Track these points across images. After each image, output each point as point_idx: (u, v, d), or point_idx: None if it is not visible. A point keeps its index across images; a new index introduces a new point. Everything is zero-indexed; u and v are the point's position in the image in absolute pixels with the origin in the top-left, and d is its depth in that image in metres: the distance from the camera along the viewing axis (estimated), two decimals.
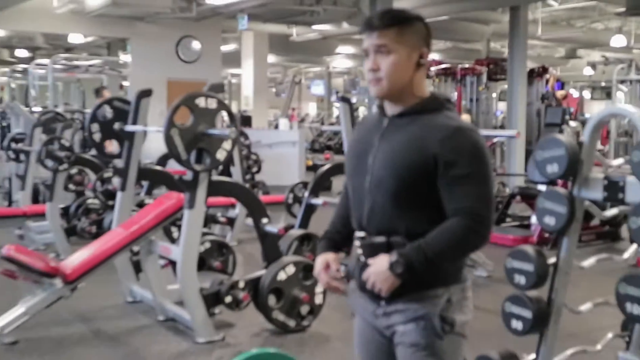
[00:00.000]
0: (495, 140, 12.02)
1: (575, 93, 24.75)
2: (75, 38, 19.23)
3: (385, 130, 2.43)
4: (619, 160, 5.12)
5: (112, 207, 8.20)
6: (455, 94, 15.80)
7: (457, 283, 2.43)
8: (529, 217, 9.69)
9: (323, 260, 2.57)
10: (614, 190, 3.91)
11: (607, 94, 24.67)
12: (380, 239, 2.37)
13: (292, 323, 5.52)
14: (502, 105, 16.02)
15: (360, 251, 2.44)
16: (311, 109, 37.82)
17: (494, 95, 16.30)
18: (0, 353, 4.99)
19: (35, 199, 10.23)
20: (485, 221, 2.32)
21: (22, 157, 10.06)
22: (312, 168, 15.93)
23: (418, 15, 2.44)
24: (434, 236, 2.31)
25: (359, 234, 2.45)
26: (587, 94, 27.49)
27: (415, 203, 2.35)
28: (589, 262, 4.21)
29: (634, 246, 4.44)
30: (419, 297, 2.36)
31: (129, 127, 6.20)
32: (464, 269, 2.50)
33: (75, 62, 17.85)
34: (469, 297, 2.50)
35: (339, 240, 2.62)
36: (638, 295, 3.52)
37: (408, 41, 2.37)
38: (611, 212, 4.22)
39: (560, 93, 15.42)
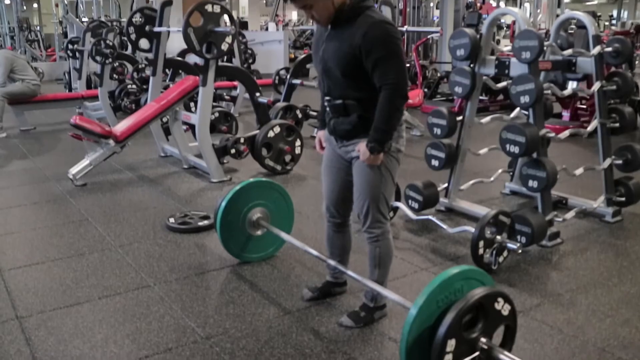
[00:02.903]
0: (428, 36, 11.91)
1: (494, 3, 24.16)
2: None
3: (328, 35, 2.60)
4: (507, 47, 5.22)
5: (146, 90, 8.31)
6: (402, 3, 15.47)
7: None
8: (452, 94, 9.77)
9: (317, 138, 2.89)
10: (502, 67, 4.11)
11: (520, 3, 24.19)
12: (339, 101, 2.61)
13: (279, 167, 5.76)
14: (437, 12, 15.74)
15: (328, 109, 2.71)
16: (294, 15, 36.65)
17: (432, 4, 15.94)
18: (75, 192, 5.19)
19: (89, 86, 10.22)
20: (401, 85, 2.47)
21: (77, 55, 9.96)
22: (294, 60, 15.72)
23: None
24: (377, 117, 2.49)
25: (326, 97, 2.68)
26: (502, 4, 26.83)
27: (355, 79, 2.52)
28: (485, 119, 4.47)
29: (517, 109, 4.67)
30: (366, 135, 2.57)
31: (157, 29, 6.14)
32: (401, 117, 2.64)
33: None
34: (403, 136, 2.69)
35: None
36: (513, 138, 3.77)
37: None
38: (502, 84, 4.44)
39: (479, 3, 15.12)
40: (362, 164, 2.62)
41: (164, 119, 6.45)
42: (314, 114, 7.36)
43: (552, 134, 3.95)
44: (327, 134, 2.82)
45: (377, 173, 2.62)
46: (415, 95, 7.99)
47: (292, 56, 17.44)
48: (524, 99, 3.78)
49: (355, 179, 2.69)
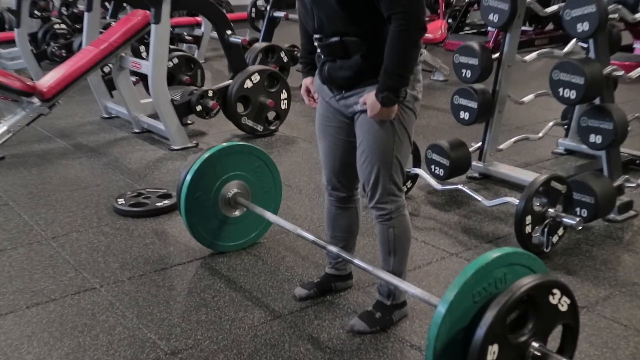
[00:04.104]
0: None
1: None
2: None
3: None
4: None
5: (80, 30, 8.22)
6: None
7: None
8: (485, 25, 9.76)
9: (303, 85, 2.92)
10: None
11: None
12: (335, 39, 2.58)
13: (260, 128, 5.77)
14: None
15: (319, 51, 2.68)
16: None
17: None
18: None
19: (2, 28, 10.11)
20: (417, 13, 2.44)
21: None
22: None
23: None
24: (387, 57, 2.47)
25: (316, 36, 2.65)
26: None
27: (356, 8, 2.50)
28: (530, 56, 4.45)
29: (573, 41, 4.65)
30: (373, 82, 2.55)
31: None
32: (417, 54, 2.61)
33: None
34: (420, 79, 2.68)
35: (312, 59, 2.84)
36: (568, 79, 3.76)
37: None
38: (552, 8, 4.41)
39: None
40: (369, 120, 2.60)
41: (106, 69, 6.38)
42: None
43: (621, 73, 3.93)
44: (318, 83, 2.80)
45: (388, 131, 2.61)
46: (436, 28, 7.94)
47: None
48: (582, 27, 3.75)
49: (360, 140, 2.68)
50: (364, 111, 2.60)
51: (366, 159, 2.67)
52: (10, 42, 8.50)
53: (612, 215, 3.89)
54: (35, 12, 9.31)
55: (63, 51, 8.66)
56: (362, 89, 2.61)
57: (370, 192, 2.71)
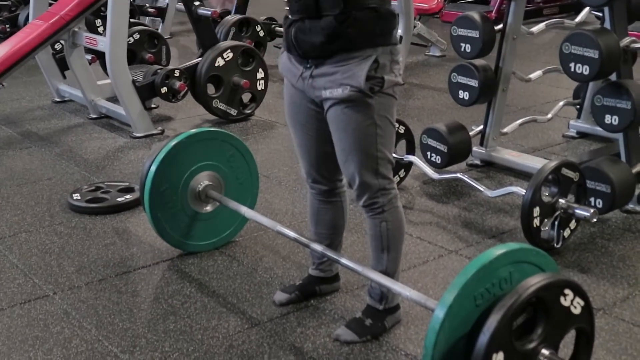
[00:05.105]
0: None
1: None
2: None
3: None
4: None
5: (25, 3, 8.15)
6: None
7: (385, 45, 2.59)
8: None
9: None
10: None
11: None
12: None
13: (233, 111, 5.75)
14: None
15: (288, 9, 2.64)
16: None
17: None
18: None
19: None
20: None
21: None
22: None
23: None
24: None
25: None
26: None
27: None
28: (538, 27, 4.47)
29: (586, 9, 4.67)
30: (345, 58, 2.55)
31: None
32: (394, 32, 2.65)
33: None
34: (399, 60, 2.67)
35: None
36: (580, 53, 3.76)
37: None
38: None
39: None
40: (342, 116, 2.60)
41: (57, 46, 6.34)
42: (282, 30, 7.32)
43: None
44: (284, 60, 2.78)
45: (367, 126, 2.61)
46: None
47: None
48: None
49: (335, 136, 2.68)
50: (335, 103, 2.59)
51: (347, 158, 2.67)
52: None
53: (630, 206, 3.92)
54: None
55: (7, 26, 8.60)
56: (332, 68, 2.58)
57: (358, 192, 2.72)
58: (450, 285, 2.13)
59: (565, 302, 2.17)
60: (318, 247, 2.98)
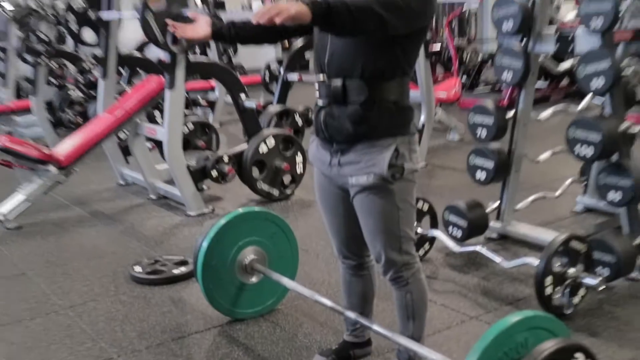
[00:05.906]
0: (464, 7, 11.96)
1: None
2: None
3: None
4: (571, 15, 5.21)
5: (95, 97, 8.35)
6: None
7: (404, 135, 2.60)
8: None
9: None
10: (564, 42, 4.13)
11: None
12: (337, 81, 2.52)
13: (275, 192, 5.81)
14: None
15: (317, 95, 2.65)
16: None
17: None
18: (6, 237, 5.19)
19: (19, 95, 10.27)
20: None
21: (0, 54, 10.01)
22: (288, 49, 15.72)
23: None
24: None
25: (319, 76, 2.60)
26: None
27: (376, 41, 2.45)
28: (546, 113, 4.49)
29: (588, 97, 4.68)
30: (368, 147, 2.55)
31: (104, 14, 6.18)
32: (411, 123, 2.65)
33: None
34: (416, 149, 2.67)
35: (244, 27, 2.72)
36: (584, 137, 3.78)
37: None
38: (565, 64, 4.44)
39: None
40: (367, 201, 2.60)
41: (122, 135, 6.48)
42: None
43: (638, 129, 3.95)
44: (313, 149, 2.80)
45: (390, 209, 2.61)
46: (451, 87, 8.03)
47: (286, 45, 17.48)
48: (597, 83, 3.78)
49: (362, 219, 2.69)
50: (361, 190, 2.61)
51: (373, 238, 2.68)
52: (26, 111, 8.62)
53: (634, 274, 3.87)
54: (52, 79, 9.50)
55: (79, 118, 8.79)
56: (357, 156, 2.58)
57: (384, 268, 2.72)
58: (472, 350, 2.12)
59: None
60: (352, 315, 2.98)
